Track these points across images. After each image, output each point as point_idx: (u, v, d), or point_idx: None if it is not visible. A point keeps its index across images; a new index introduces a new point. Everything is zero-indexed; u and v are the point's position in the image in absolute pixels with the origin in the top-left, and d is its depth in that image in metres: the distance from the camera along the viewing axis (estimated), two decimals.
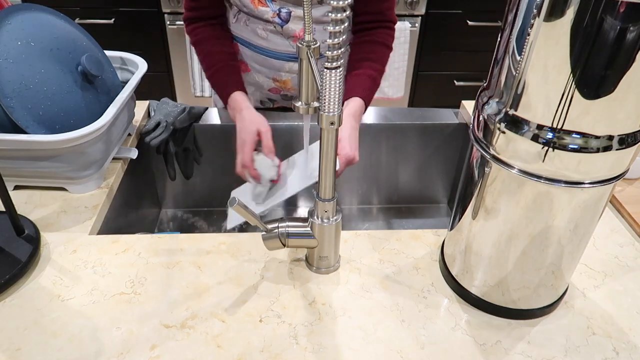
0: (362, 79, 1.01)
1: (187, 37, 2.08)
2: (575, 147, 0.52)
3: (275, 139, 1.15)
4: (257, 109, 1.20)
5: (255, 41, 1.07)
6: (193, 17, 1.06)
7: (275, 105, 1.20)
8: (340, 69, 0.57)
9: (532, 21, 0.49)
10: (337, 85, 0.57)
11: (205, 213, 1.25)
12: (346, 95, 0.98)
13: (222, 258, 0.77)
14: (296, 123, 1.14)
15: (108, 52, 1.00)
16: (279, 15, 1.00)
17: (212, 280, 0.73)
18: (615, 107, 0.50)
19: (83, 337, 0.65)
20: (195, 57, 2.10)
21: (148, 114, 1.15)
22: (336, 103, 0.59)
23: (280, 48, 1.05)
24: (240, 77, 1.04)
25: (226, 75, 1.03)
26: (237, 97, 0.99)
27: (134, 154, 0.99)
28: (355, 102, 0.96)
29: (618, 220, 0.87)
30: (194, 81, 2.20)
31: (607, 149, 0.52)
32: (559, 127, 0.52)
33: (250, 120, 0.94)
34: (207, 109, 1.17)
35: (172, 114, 1.08)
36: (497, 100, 0.57)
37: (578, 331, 0.68)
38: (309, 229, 0.71)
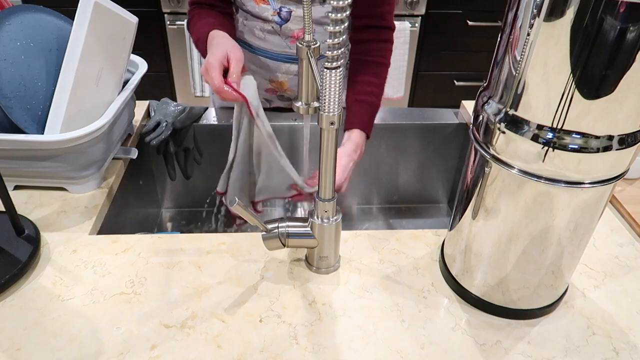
0: (363, 107, 1.01)
1: (187, 35, 2.05)
2: (575, 147, 0.52)
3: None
4: None
5: (252, 41, 1.06)
6: (197, 1, 1.02)
7: (271, 105, 1.21)
8: (341, 69, 0.57)
9: (532, 21, 0.49)
10: (337, 85, 0.57)
11: (206, 213, 1.25)
12: (347, 124, 0.99)
13: (222, 258, 0.77)
14: (296, 123, 1.14)
15: None
16: (279, 13, 1.00)
17: (212, 280, 0.73)
18: (615, 107, 0.50)
19: (83, 337, 0.65)
20: (196, 57, 2.11)
21: (148, 114, 1.15)
22: (336, 103, 0.59)
23: (277, 49, 1.05)
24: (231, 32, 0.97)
25: (213, 31, 0.92)
26: (215, 33, 0.90)
27: (134, 154, 0.99)
28: (355, 135, 0.98)
29: (618, 220, 0.87)
30: (194, 81, 2.20)
31: (607, 149, 0.52)
32: (559, 127, 0.52)
33: (218, 44, 0.86)
34: (207, 109, 1.17)
35: (172, 114, 1.09)
36: (497, 100, 0.57)
37: (578, 331, 0.68)
38: (309, 229, 0.71)
